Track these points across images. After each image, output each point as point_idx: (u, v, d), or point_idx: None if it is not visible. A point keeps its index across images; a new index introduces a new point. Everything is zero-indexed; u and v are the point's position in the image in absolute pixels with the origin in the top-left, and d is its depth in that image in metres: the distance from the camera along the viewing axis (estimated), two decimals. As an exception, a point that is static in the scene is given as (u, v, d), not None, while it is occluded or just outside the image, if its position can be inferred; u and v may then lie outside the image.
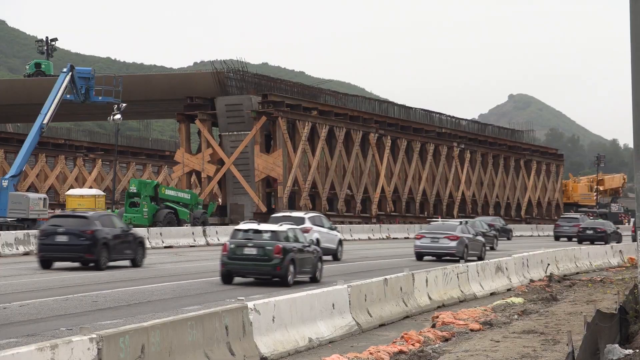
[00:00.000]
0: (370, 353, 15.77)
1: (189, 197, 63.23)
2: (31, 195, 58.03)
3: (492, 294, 28.19)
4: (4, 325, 18.46)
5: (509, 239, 68.75)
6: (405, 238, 70.73)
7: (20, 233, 43.38)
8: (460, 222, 43.43)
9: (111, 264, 32.89)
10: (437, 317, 20.63)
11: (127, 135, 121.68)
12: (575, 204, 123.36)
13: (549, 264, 35.37)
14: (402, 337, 17.56)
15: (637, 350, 15.25)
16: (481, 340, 17.60)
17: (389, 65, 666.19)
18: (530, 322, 20.59)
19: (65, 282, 27.87)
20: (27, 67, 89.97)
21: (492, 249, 50.10)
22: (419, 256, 41.07)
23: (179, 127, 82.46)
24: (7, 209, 54.21)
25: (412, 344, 16.98)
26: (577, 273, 37.86)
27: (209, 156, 77.79)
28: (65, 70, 59.94)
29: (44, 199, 57.16)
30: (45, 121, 57.14)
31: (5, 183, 55.18)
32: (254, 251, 27.99)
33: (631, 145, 25.72)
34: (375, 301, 20.70)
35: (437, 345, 17.21)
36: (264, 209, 75.92)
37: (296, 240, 29.09)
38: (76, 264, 32.91)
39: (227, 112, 77.01)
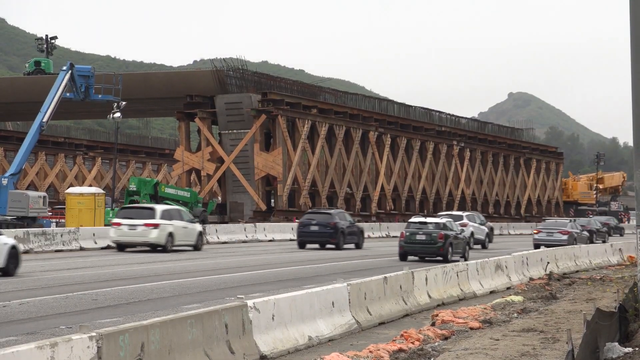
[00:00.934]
0: (370, 351, 15.77)
1: (189, 196, 63.24)
2: (31, 193, 58.00)
3: (491, 292, 28.19)
4: (4, 323, 18.46)
5: (621, 235, 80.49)
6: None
7: (20, 231, 43.33)
8: (570, 220, 56.75)
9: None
10: (437, 315, 20.62)
11: (126, 133, 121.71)
12: (575, 202, 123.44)
13: (548, 262, 35.37)
14: (402, 335, 17.56)
15: (637, 349, 15.26)
16: (481, 339, 17.60)
17: (388, 63, 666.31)
18: (530, 320, 20.59)
19: (64, 280, 27.88)
20: (27, 65, 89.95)
21: (603, 241, 59.38)
22: (537, 247, 48.56)
23: (178, 126, 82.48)
24: (7, 207, 54.19)
25: (411, 343, 16.98)
26: (577, 271, 37.85)
27: (209, 154, 77.80)
28: (64, 68, 59.93)
29: (44, 197, 57.13)
30: (44, 119, 57.13)
31: (5, 181, 55.17)
32: (423, 237, 38.25)
33: (631, 143, 25.71)
34: (374, 299, 20.70)
35: (436, 344, 17.21)
36: (263, 207, 75.97)
37: (452, 229, 39.20)
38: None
39: (226, 111, 77.02)
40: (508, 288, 29.43)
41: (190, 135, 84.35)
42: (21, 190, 66.65)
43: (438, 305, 23.93)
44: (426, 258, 38.52)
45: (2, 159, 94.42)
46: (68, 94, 59.79)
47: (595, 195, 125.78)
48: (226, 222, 68.27)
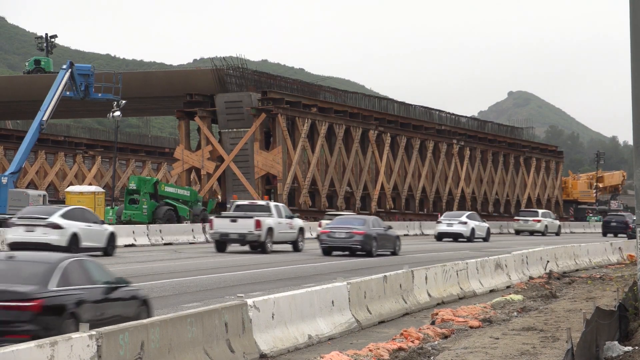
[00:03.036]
0: (370, 350, 15.78)
1: (189, 194, 63.23)
2: (31, 192, 58.03)
3: (491, 291, 28.19)
4: (4, 322, 18.42)
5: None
6: (404, 235, 70.72)
7: (19, 230, 43.26)
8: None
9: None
10: (437, 314, 20.62)
11: (126, 132, 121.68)
12: (574, 201, 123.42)
13: (548, 261, 35.37)
14: (402, 334, 17.57)
15: (637, 348, 15.26)
16: (480, 337, 17.61)
17: (388, 62, 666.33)
18: (530, 319, 20.59)
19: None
20: (27, 64, 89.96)
21: None
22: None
23: (178, 124, 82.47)
24: (7, 206, 54.21)
25: (411, 341, 16.99)
26: (577, 270, 37.85)
27: (209, 153, 77.80)
28: (64, 67, 59.97)
29: (44, 195, 57.14)
30: (44, 118, 57.17)
31: (4, 180, 55.20)
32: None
33: (631, 142, 25.75)
34: (374, 298, 20.71)
35: (436, 342, 17.21)
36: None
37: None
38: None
39: (226, 109, 77.01)
40: (508, 287, 29.44)
41: (190, 134, 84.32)
42: (21, 189, 66.64)
43: (438, 304, 23.94)
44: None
45: (2, 158, 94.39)
46: (68, 93, 59.82)
47: (595, 194, 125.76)
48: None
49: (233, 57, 79.58)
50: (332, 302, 18.62)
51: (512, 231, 79.02)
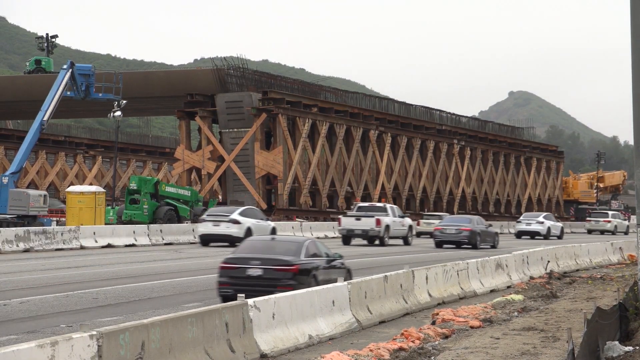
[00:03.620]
0: (370, 350, 15.78)
1: (189, 194, 63.19)
2: (31, 192, 57.93)
3: (492, 291, 28.18)
4: (4, 322, 18.47)
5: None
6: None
7: (20, 230, 43.37)
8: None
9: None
10: (437, 314, 20.62)
11: (127, 132, 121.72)
12: (575, 201, 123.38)
13: (549, 261, 35.36)
14: (402, 334, 17.56)
15: (637, 347, 15.26)
16: (481, 337, 17.61)
17: (389, 62, 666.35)
18: (530, 319, 20.59)
19: (65, 279, 27.89)
20: (28, 63, 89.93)
21: None
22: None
23: (179, 124, 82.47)
24: (7, 206, 54.16)
25: (412, 341, 16.99)
26: (577, 270, 37.84)
27: (209, 153, 77.80)
28: (65, 67, 59.88)
29: (44, 195, 57.07)
30: (45, 118, 57.09)
31: (5, 180, 55.12)
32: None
33: (631, 142, 25.82)
34: (375, 298, 20.70)
35: (437, 342, 17.21)
36: (264, 206, 75.94)
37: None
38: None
39: (227, 109, 77.02)
40: (508, 287, 29.43)
41: (191, 134, 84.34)
42: (22, 188, 66.62)
43: (438, 304, 23.93)
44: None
45: (3, 158, 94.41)
46: (68, 93, 59.74)
47: (595, 194, 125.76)
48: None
49: (234, 57, 79.65)
50: (333, 302, 18.62)
51: (512, 231, 79.01)
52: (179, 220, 59.81)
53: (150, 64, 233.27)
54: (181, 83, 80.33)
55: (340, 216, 55.39)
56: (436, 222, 60.28)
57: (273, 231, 47.26)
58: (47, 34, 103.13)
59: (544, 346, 16.48)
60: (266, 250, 22.40)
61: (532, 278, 31.65)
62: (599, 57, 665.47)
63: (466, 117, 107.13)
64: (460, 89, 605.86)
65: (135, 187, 59.55)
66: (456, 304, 24.06)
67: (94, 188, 60.23)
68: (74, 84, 59.76)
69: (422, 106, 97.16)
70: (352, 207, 65.36)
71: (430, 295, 24.07)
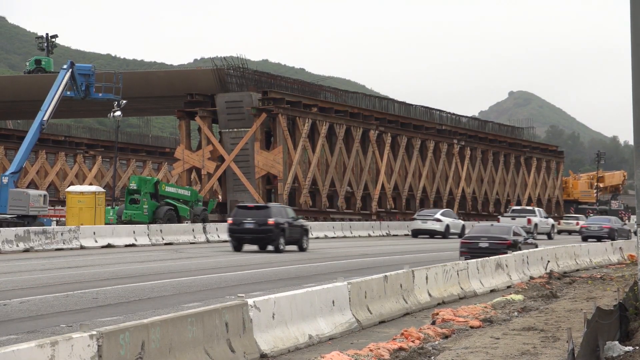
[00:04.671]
0: (370, 350, 15.77)
1: (189, 194, 63.22)
2: (31, 192, 57.97)
3: (492, 291, 28.18)
4: (4, 322, 18.47)
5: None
6: (405, 235, 70.76)
7: (20, 230, 43.39)
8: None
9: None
10: (437, 314, 20.62)
11: (127, 132, 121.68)
12: (575, 201, 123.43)
13: (549, 261, 35.37)
14: (402, 334, 17.56)
15: (637, 347, 15.26)
16: (481, 337, 17.61)
17: (389, 62, 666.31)
18: (530, 319, 20.59)
19: (65, 278, 27.89)
20: (28, 63, 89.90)
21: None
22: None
23: (179, 124, 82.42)
24: (7, 206, 54.18)
25: (412, 341, 16.98)
26: (577, 270, 37.86)
27: (209, 153, 77.78)
28: (65, 67, 59.90)
29: (44, 195, 57.10)
30: (45, 118, 57.11)
31: (5, 180, 55.14)
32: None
33: (631, 142, 25.85)
34: (375, 298, 20.70)
35: (437, 342, 17.21)
36: (264, 206, 75.82)
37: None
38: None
39: (227, 109, 77.00)
40: (508, 287, 29.43)
41: (191, 134, 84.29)
42: (22, 188, 66.62)
43: (438, 304, 23.93)
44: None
45: (3, 158, 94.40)
46: (68, 93, 59.76)
47: (595, 194, 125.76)
48: (227, 221, 68.17)
49: (234, 57, 79.60)
50: (333, 302, 18.61)
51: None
52: (179, 220, 59.84)
53: (150, 63, 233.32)
54: (181, 83, 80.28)
55: (499, 216, 74.18)
56: (573, 222, 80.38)
57: (463, 227, 64.72)
58: (47, 34, 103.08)
59: (544, 346, 16.48)
60: (488, 232, 36.95)
61: (532, 278, 31.66)
62: (599, 57, 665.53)
63: (466, 117, 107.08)
64: (460, 89, 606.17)
65: (135, 187, 59.56)
66: (456, 304, 24.06)
67: (94, 188, 60.26)
68: (74, 84, 59.77)
69: (422, 106, 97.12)
70: (507, 209, 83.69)
71: (430, 295, 24.06)
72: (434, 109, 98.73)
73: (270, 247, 42.95)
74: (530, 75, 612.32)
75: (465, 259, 30.04)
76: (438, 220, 65.23)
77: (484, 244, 35.75)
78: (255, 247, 43.75)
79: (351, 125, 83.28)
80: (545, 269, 34.09)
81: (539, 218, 67.12)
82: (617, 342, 15.13)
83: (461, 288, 26.37)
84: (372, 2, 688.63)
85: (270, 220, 42.18)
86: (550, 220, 68.31)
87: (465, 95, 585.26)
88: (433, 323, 19.82)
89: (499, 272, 30.01)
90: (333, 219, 76.62)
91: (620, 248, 45.83)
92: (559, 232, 78.25)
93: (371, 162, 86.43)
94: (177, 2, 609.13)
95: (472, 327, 19.37)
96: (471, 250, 35.64)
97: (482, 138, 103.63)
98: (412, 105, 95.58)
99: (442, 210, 69.49)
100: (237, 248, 43.30)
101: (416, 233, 66.37)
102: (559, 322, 19.76)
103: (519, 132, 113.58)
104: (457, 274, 26.41)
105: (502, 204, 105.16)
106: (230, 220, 44.29)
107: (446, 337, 18.14)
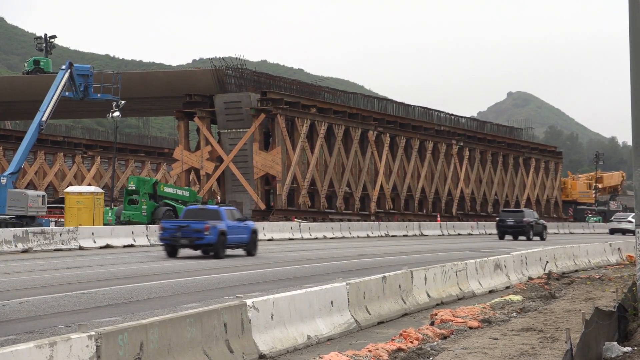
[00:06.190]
0: (369, 350, 15.76)
1: (188, 195, 63.21)
2: (30, 192, 57.93)
3: (490, 291, 28.17)
4: (3, 322, 18.45)
5: None
6: (404, 236, 70.77)
7: (19, 230, 43.35)
8: None
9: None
10: (436, 314, 20.60)
11: (125, 132, 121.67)
12: (574, 201, 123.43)
13: (547, 262, 35.34)
14: (401, 334, 17.55)
15: (636, 348, 15.26)
16: (480, 338, 17.60)
17: (388, 62, 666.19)
18: (529, 319, 20.58)
19: (63, 279, 27.87)
20: (26, 64, 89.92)
21: None
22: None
23: (177, 125, 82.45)
24: (6, 206, 54.14)
25: (410, 342, 16.98)
26: (576, 271, 37.83)
27: (208, 153, 77.78)
28: (64, 67, 59.85)
29: (43, 196, 57.07)
30: (44, 118, 57.06)
31: (4, 180, 55.10)
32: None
33: (630, 143, 25.74)
34: (373, 299, 20.68)
35: (435, 343, 17.20)
36: (262, 206, 75.97)
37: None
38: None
39: (226, 110, 77.00)
40: (507, 287, 29.41)
41: (190, 135, 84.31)
42: (20, 189, 66.58)
43: (437, 305, 23.91)
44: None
45: (1, 158, 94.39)
46: (67, 93, 59.72)
47: (594, 195, 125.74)
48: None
49: (232, 58, 79.64)
50: (332, 302, 18.60)
51: None
52: (178, 220, 59.76)
53: (148, 64, 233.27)
54: (180, 83, 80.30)
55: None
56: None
57: None
58: (45, 35, 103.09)
59: (543, 347, 16.47)
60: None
61: (530, 278, 31.63)
62: (598, 58, 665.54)
63: (465, 117, 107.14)
64: (459, 89, 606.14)
65: (133, 188, 59.54)
66: (455, 304, 24.05)
67: (92, 188, 60.21)
68: (72, 85, 59.72)
69: (420, 107, 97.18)
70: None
71: (428, 295, 24.05)
72: (432, 109, 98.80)
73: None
74: (529, 76, 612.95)
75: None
76: (630, 222, 77.58)
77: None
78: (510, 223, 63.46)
79: (350, 126, 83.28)
80: (544, 270, 34.07)
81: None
82: (615, 343, 15.13)
83: (460, 289, 26.36)
84: (372, 3, 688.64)
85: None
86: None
87: (464, 95, 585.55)
88: (432, 324, 19.81)
89: (498, 273, 30.00)
90: (332, 220, 76.60)
91: (619, 249, 45.80)
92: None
93: (370, 163, 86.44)
94: (176, 2, 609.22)
95: (470, 328, 19.36)
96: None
97: (481, 139, 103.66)
98: (410, 105, 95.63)
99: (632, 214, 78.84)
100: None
101: (613, 231, 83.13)
102: (557, 323, 19.75)
103: (517, 133, 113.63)
104: (456, 274, 26.40)
105: (500, 204, 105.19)
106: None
107: (445, 337, 18.13)
